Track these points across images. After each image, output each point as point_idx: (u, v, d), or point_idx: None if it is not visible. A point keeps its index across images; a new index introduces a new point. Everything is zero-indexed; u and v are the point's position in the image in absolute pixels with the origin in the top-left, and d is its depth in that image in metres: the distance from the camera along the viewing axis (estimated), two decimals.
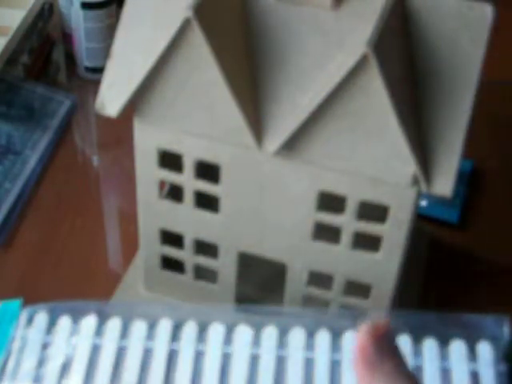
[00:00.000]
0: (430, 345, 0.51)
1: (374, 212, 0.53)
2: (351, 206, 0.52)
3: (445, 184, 0.49)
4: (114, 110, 0.52)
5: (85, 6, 0.80)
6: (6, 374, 0.52)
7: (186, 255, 0.59)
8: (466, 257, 0.69)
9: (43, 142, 0.77)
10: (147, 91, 0.51)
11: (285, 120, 0.50)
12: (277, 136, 0.50)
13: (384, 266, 0.54)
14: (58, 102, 0.81)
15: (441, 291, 0.65)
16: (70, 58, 0.87)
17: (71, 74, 0.87)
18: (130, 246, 0.66)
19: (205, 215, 0.56)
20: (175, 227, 0.58)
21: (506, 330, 0.53)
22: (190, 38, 0.48)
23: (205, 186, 0.55)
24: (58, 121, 0.79)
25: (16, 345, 0.53)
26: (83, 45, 0.83)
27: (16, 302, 0.56)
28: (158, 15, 0.51)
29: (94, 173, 0.78)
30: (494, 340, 0.52)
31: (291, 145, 0.50)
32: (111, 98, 0.52)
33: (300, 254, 0.56)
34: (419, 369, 0.50)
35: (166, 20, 0.48)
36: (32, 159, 0.75)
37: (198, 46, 0.47)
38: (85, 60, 0.84)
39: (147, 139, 0.54)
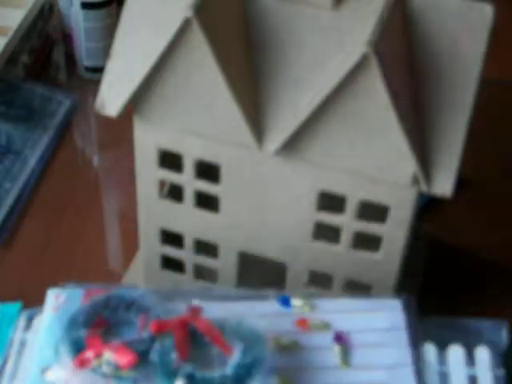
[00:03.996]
0: (428, 349, 0.51)
1: (374, 212, 0.53)
2: (351, 206, 0.52)
3: (445, 183, 0.49)
4: (114, 109, 0.52)
5: (85, 5, 0.80)
6: (5, 376, 0.52)
7: (186, 255, 0.59)
8: (466, 258, 0.69)
9: (43, 141, 0.77)
10: (147, 91, 0.51)
11: (285, 120, 0.49)
12: (277, 136, 0.50)
13: (384, 266, 0.54)
14: (58, 102, 0.81)
15: (440, 292, 0.65)
16: (70, 58, 0.87)
17: (71, 74, 0.87)
18: (130, 246, 0.66)
19: (205, 215, 0.56)
20: (175, 227, 0.58)
21: (504, 334, 0.53)
22: (190, 38, 0.47)
23: (205, 186, 0.55)
24: (58, 121, 0.79)
25: (15, 347, 0.53)
26: (83, 45, 0.83)
27: (15, 305, 0.55)
28: (158, 15, 0.51)
29: (94, 173, 0.78)
30: (492, 344, 0.52)
31: (291, 144, 0.50)
32: (111, 98, 0.52)
33: (300, 254, 0.56)
34: (417, 373, 0.50)
35: (166, 20, 0.48)
36: (32, 159, 0.75)
37: (198, 46, 0.47)
38: (85, 60, 0.84)
39: (147, 139, 0.54)
